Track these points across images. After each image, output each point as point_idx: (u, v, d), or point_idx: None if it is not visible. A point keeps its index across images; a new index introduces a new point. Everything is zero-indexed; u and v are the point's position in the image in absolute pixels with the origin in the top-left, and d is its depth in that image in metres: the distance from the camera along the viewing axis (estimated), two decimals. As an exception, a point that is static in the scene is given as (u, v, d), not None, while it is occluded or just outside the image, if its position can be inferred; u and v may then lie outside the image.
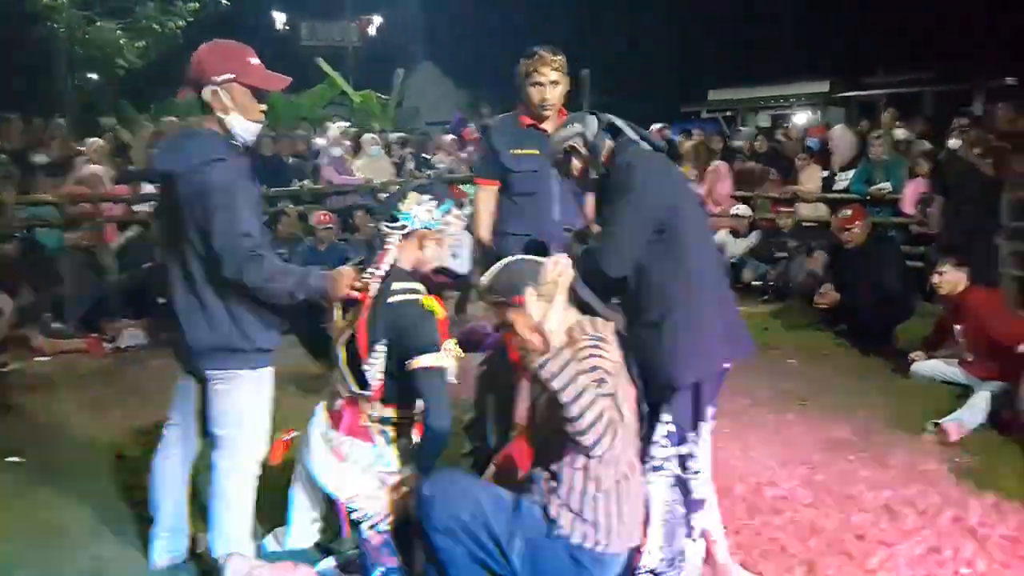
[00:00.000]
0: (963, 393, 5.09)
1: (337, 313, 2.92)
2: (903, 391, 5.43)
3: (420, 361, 2.72)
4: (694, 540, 2.95)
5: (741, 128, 15.30)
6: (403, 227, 2.81)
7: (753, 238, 9.18)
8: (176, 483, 3.20)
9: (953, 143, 8.11)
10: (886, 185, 8.60)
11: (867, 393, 5.37)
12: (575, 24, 26.52)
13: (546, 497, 2.55)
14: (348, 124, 14.58)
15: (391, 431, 2.94)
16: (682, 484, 2.92)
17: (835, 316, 6.83)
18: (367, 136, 11.31)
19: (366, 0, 27.46)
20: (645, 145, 2.96)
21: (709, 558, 3.11)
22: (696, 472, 2.92)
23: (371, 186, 9.74)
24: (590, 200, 3.53)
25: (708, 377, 2.86)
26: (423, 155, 11.28)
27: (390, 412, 2.91)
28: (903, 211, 8.45)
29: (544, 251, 2.93)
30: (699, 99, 22.81)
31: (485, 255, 3.96)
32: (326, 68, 18.62)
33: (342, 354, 2.87)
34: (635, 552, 2.76)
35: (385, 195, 6.43)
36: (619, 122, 3.00)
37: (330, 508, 3.16)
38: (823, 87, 19.79)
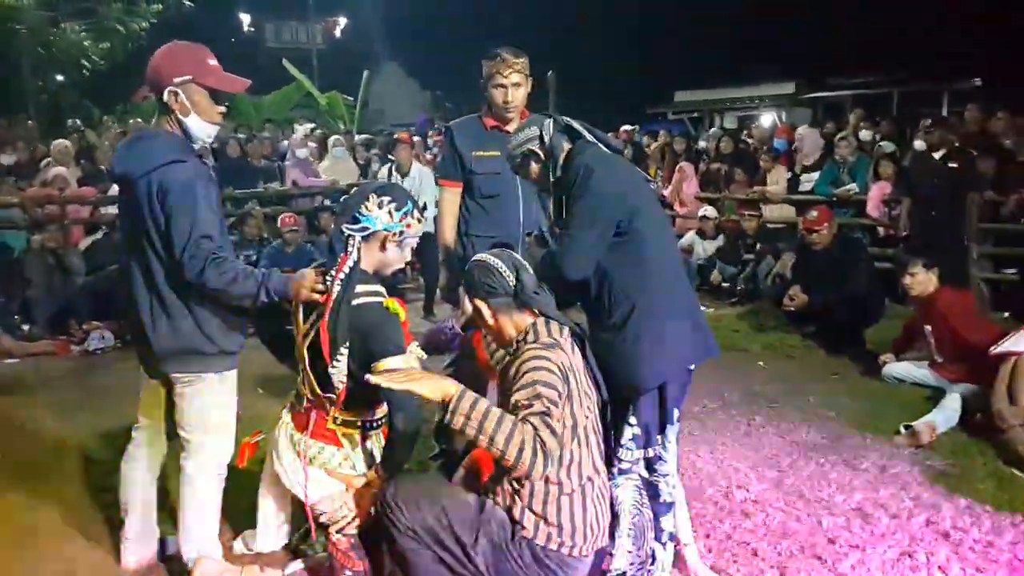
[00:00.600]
0: (934, 395, 5.12)
1: (300, 316, 2.88)
2: (873, 393, 5.44)
3: (384, 364, 2.68)
4: (663, 543, 2.93)
5: (708, 130, 15.37)
6: (364, 229, 2.77)
7: (720, 240, 9.21)
8: (145, 486, 3.20)
9: (919, 144, 8.20)
10: (852, 186, 8.67)
11: (837, 395, 5.38)
12: (541, 25, 26.54)
13: (510, 500, 2.54)
14: (314, 126, 14.49)
15: (357, 434, 2.91)
16: (650, 487, 2.91)
17: (804, 318, 6.86)
18: (333, 138, 11.26)
19: (332, 2, 27.36)
20: (603, 147, 2.94)
21: (679, 562, 3.11)
22: (664, 475, 2.91)
23: (337, 188, 9.67)
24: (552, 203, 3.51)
25: (673, 379, 2.85)
26: (389, 156, 11.22)
27: (355, 415, 2.88)
28: (868, 213, 8.51)
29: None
30: (665, 100, 22.92)
31: (449, 257, 3.93)
32: (292, 70, 18.53)
33: (306, 357, 2.83)
34: (604, 555, 2.74)
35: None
36: (576, 124, 2.99)
37: (298, 511, 3.16)
38: (789, 88, 19.96)
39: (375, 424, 2.95)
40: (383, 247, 2.83)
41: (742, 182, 9.62)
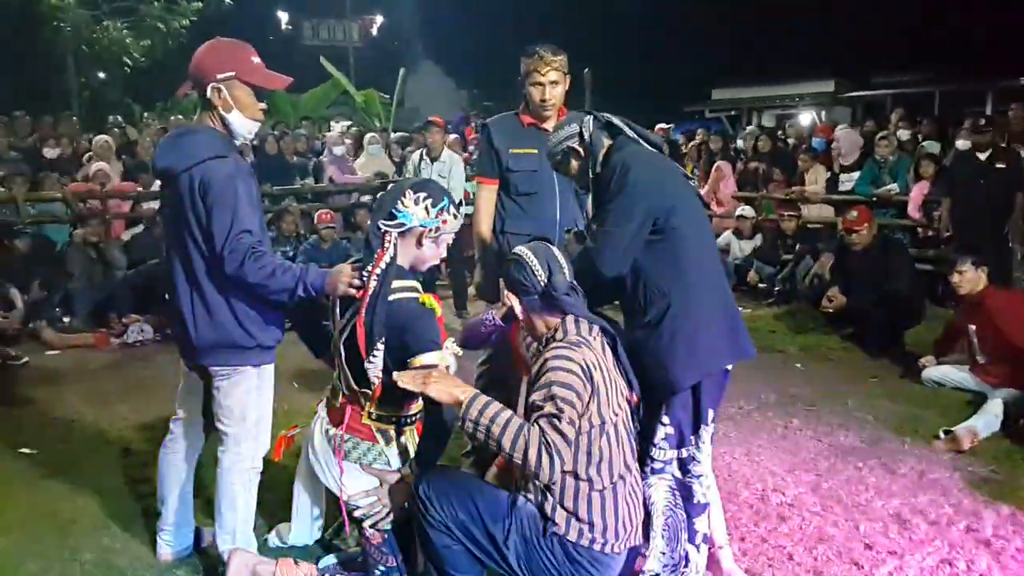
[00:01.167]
0: (974, 400, 5.04)
1: (336, 311, 2.89)
2: (913, 397, 5.36)
3: (420, 360, 2.68)
4: (697, 545, 2.90)
5: (745, 128, 15.25)
6: (401, 225, 2.77)
7: (757, 239, 9.12)
8: (182, 478, 3.25)
9: (961, 144, 8.05)
10: (893, 186, 8.54)
11: (876, 398, 5.31)
12: (578, 23, 26.47)
13: (541, 496, 2.55)
14: (350, 123, 14.58)
15: (391, 430, 2.91)
16: (684, 488, 2.89)
17: (842, 319, 6.78)
18: (368, 135, 11.33)
19: (368, 0, 27.52)
20: (644, 144, 2.91)
21: (714, 565, 3.07)
22: (698, 476, 2.88)
23: (373, 184, 9.72)
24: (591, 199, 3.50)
25: (707, 379, 2.82)
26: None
27: (391, 410, 2.88)
28: (909, 214, 8.39)
29: None
30: (703, 98, 22.78)
31: (485, 254, 3.93)
32: (329, 68, 18.64)
33: (342, 352, 2.84)
34: (637, 554, 2.73)
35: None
36: (617, 121, 2.97)
37: (332, 505, 3.18)
38: (828, 87, 19.74)
39: (410, 420, 2.95)
40: (419, 243, 2.84)
41: (780, 181, 9.52)
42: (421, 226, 2.80)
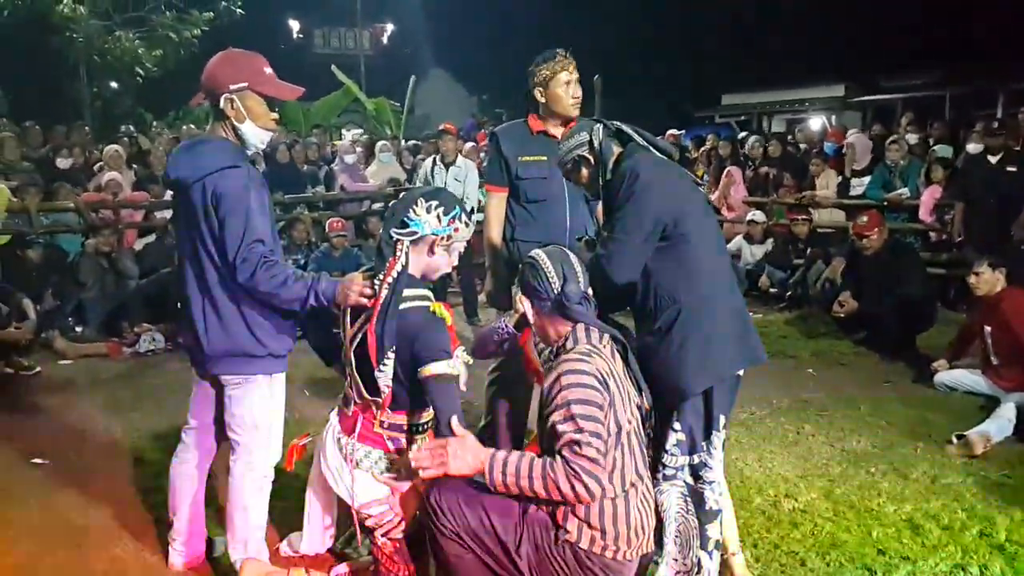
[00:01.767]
0: (987, 404, 5.02)
1: (348, 319, 2.90)
2: (925, 401, 5.34)
3: (431, 368, 2.69)
4: (709, 552, 2.89)
5: (751, 137, 15.27)
6: (413, 233, 2.78)
7: (769, 244, 9.11)
8: (194, 487, 3.25)
9: (973, 148, 8.02)
10: (904, 190, 8.51)
11: (888, 403, 5.29)
12: (587, 30, 26.46)
13: (553, 503, 2.55)
14: (361, 131, 14.62)
15: (403, 438, 2.91)
16: (695, 494, 2.88)
17: (854, 324, 6.77)
18: (380, 143, 11.37)
19: (379, 8, 27.64)
20: (653, 151, 2.92)
21: (727, 571, 3.07)
22: (710, 482, 2.88)
23: (386, 192, 9.75)
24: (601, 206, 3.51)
25: (719, 385, 2.81)
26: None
27: (402, 419, 2.89)
28: (921, 218, 8.36)
29: None
30: (713, 104, 22.75)
31: (496, 262, 3.94)
32: (341, 76, 18.73)
33: (353, 360, 2.85)
34: (649, 562, 2.73)
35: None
36: (627, 128, 2.98)
37: (344, 514, 3.19)
38: (839, 91, 19.68)
39: (421, 428, 2.96)
40: (431, 251, 2.85)
41: (790, 186, 9.50)
42: (433, 234, 2.81)
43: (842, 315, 6.72)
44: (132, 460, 4.47)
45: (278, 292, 2.78)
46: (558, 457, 2.43)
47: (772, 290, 8.62)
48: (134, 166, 9.81)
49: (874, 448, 4.54)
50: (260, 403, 3.02)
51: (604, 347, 2.64)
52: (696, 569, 2.87)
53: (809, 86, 20.20)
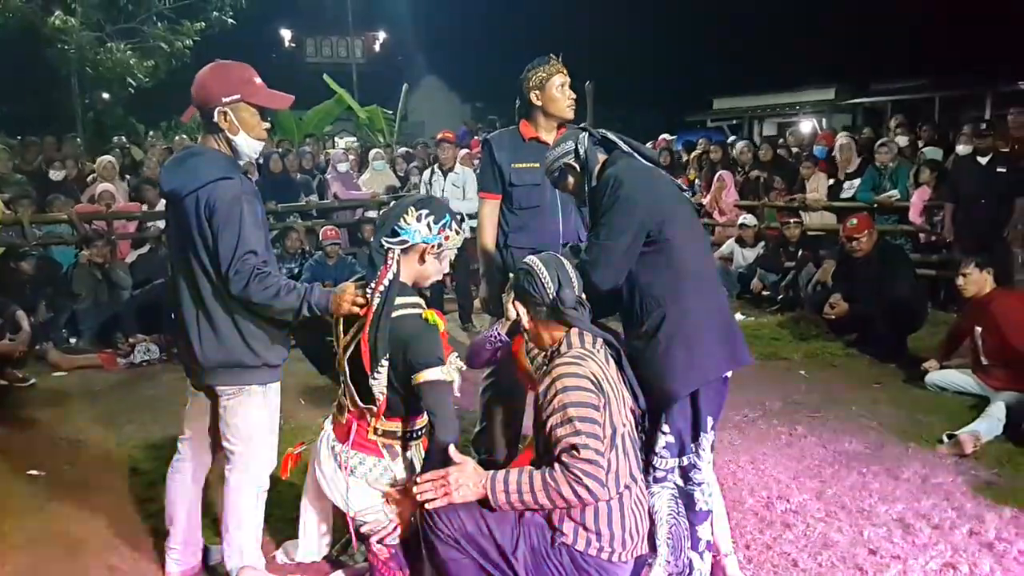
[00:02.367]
0: (978, 404, 5.05)
1: (341, 328, 2.92)
2: (916, 402, 5.37)
3: (424, 375, 2.72)
4: (700, 553, 2.93)
5: (738, 142, 15.34)
6: (403, 242, 2.81)
7: (760, 248, 9.15)
8: (189, 496, 3.25)
9: (962, 149, 8.08)
10: (894, 192, 8.56)
11: (879, 404, 5.33)
12: (579, 36, 26.58)
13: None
14: (354, 139, 14.62)
15: (397, 445, 2.94)
16: (686, 496, 2.92)
17: (845, 326, 6.80)
18: (373, 151, 11.41)
19: (371, 16, 27.70)
20: (638, 157, 2.96)
21: (719, 572, 3.10)
22: (699, 483, 2.91)
23: (378, 200, 9.78)
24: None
25: (705, 387, 2.85)
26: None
27: (396, 426, 2.91)
28: (911, 219, 8.41)
29: None
30: (704, 108, 22.84)
31: (490, 269, 3.97)
32: (333, 85, 18.75)
33: (347, 369, 2.87)
34: (643, 564, 2.76)
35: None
36: (612, 136, 3.03)
37: (339, 521, 3.20)
38: (829, 94, 19.77)
39: (415, 435, 2.98)
40: (422, 259, 2.88)
41: (781, 190, 9.55)
42: (424, 243, 2.84)
43: (833, 317, 6.76)
44: (128, 471, 4.47)
45: (271, 303, 2.80)
46: (557, 464, 2.46)
47: (764, 293, 8.66)
48: (127, 177, 9.83)
49: (866, 449, 4.57)
50: (255, 413, 3.03)
51: (598, 351, 2.67)
52: (688, 570, 2.91)
53: (799, 89, 20.30)
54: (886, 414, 5.12)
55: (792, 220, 8.91)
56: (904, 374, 5.95)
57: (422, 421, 2.96)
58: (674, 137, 13.21)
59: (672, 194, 2.96)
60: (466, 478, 2.57)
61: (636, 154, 2.97)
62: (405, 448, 2.97)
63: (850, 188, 9.10)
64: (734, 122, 21.27)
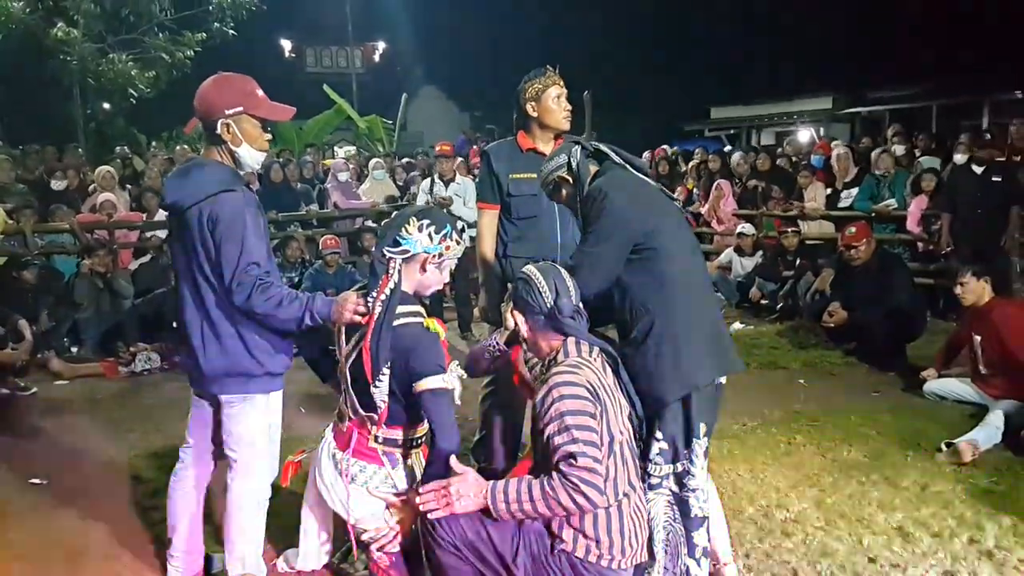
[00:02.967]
0: (976, 413, 5.06)
1: (342, 337, 2.94)
2: (915, 411, 5.39)
3: (425, 383, 2.74)
4: (697, 559, 2.94)
5: (735, 152, 15.40)
6: (405, 252, 2.84)
7: (759, 257, 9.17)
8: (191, 504, 3.27)
9: (959, 158, 8.11)
10: (892, 201, 8.60)
11: (878, 413, 5.34)
12: (578, 46, 26.65)
13: None
14: (354, 149, 14.67)
15: (398, 453, 2.95)
16: (681, 503, 2.93)
17: (844, 334, 6.82)
18: (373, 160, 11.46)
19: (370, 27, 27.80)
20: (630, 168, 3.01)
21: (718, 580, 3.11)
22: (693, 490, 2.92)
23: (379, 209, 9.81)
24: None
25: (696, 393, 2.86)
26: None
27: (397, 434, 2.93)
28: (908, 228, 8.44)
29: None
30: (702, 118, 22.89)
31: (489, 279, 3.99)
32: (332, 95, 18.81)
33: (348, 377, 2.89)
34: (643, 571, 2.77)
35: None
36: (604, 147, 3.09)
37: (340, 529, 3.21)
38: (826, 103, 19.83)
39: (416, 443, 3.00)
40: (423, 269, 2.90)
41: (779, 199, 9.59)
42: (424, 252, 2.87)
43: (832, 326, 6.77)
44: (130, 479, 4.50)
45: (274, 313, 2.82)
46: (555, 473, 2.48)
47: (763, 302, 8.68)
48: (128, 187, 9.87)
49: (865, 457, 4.58)
50: (257, 421, 3.05)
51: (594, 360, 2.69)
52: (686, 576, 2.92)
53: (797, 99, 20.36)
54: (885, 423, 5.13)
55: (790, 229, 8.95)
56: (903, 383, 5.97)
57: (423, 429, 2.98)
58: (675, 148, 13.26)
59: (661, 203, 3.01)
60: (467, 488, 2.59)
61: (628, 165, 3.02)
62: (406, 456, 2.98)
63: (847, 197, 9.14)
64: (732, 132, 21.33)
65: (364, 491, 2.93)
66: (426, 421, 2.88)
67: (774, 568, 3.37)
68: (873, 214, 8.56)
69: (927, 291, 7.79)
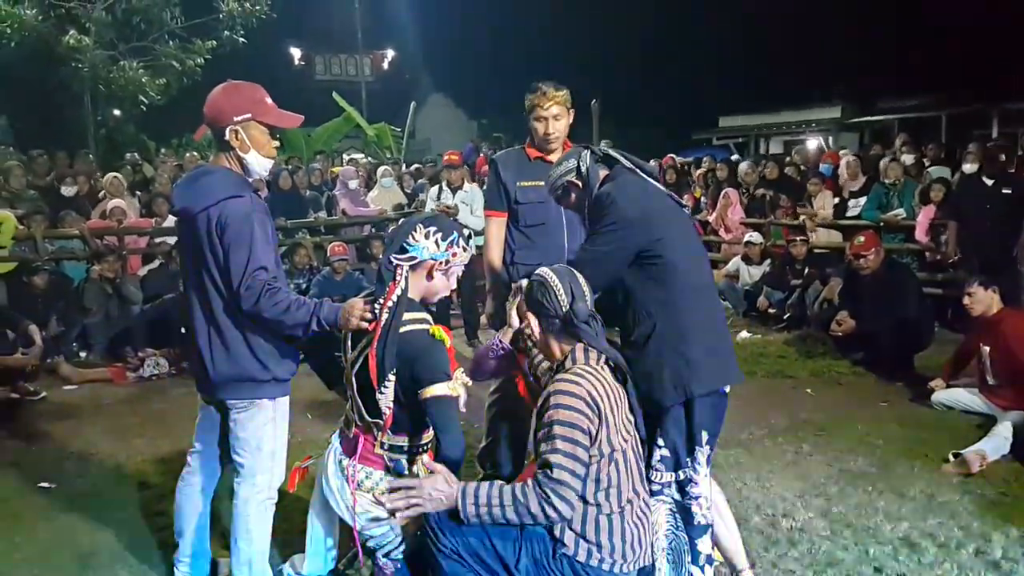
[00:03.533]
0: (984, 423, 5.05)
1: (349, 343, 2.96)
2: (922, 421, 5.37)
3: (431, 390, 2.74)
4: (700, 567, 2.94)
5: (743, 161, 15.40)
6: (412, 259, 2.85)
7: (766, 265, 9.16)
8: (199, 509, 3.30)
9: (968, 168, 8.09)
10: (900, 211, 8.58)
11: (886, 423, 5.32)
12: (586, 55, 26.71)
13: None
14: (362, 156, 14.72)
15: (404, 459, 2.95)
16: (684, 510, 2.94)
17: (852, 344, 6.80)
18: (381, 168, 11.50)
19: (379, 35, 27.92)
20: (639, 173, 3.01)
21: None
22: (696, 497, 2.92)
23: (386, 216, 9.84)
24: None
25: (698, 400, 2.86)
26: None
27: (402, 440, 2.93)
28: (917, 238, 8.42)
29: None
30: (710, 126, 22.90)
31: (496, 285, 4.00)
32: (341, 102, 18.87)
33: (354, 383, 2.90)
34: (647, 577, 2.76)
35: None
36: (614, 152, 3.10)
37: (346, 535, 3.20)
38: (835, 112, 19.82)
39: (422, 449, 3.00)
40: (430, 276, 2.91)
41: (787, 207, 9.58)
42: (432, 259, 2.88)
43: (840, 335, 6.76)
44: (137, 484, 4.52)
45: (282, 319, 2.84)
46: (530, 479, 2.49)
47: (770, 310, 8.65)
48: (138, 193, 9.92)
49: (871, 467, 4.57)
50: (264, 427, 3.07)
51: (602, 369, 2.69)
52: (691, 584, 2.92)
53: (806, 108, 20.36)
54: (892, 433, 5.12)
55: (798, 238, 8.93)
56: (911, 393, 5.95)
57: (428, 436, 2.98)
58: (684, 158, 13.28)
59: (668, 209, 3.01)
60: (437, 487, 2.58)
61: (637, 170, 3.02)
62: (411, 462, 2.99)
63: (855, 206, 9.13)
64: (740, 140, 21.33)
65: (370, 497, 2.93)
66: (431, 428, 2.89)
67: (780, 577, 3.36)
68: (882, 223, 8.54)
69: (935, 301, 7.76)
